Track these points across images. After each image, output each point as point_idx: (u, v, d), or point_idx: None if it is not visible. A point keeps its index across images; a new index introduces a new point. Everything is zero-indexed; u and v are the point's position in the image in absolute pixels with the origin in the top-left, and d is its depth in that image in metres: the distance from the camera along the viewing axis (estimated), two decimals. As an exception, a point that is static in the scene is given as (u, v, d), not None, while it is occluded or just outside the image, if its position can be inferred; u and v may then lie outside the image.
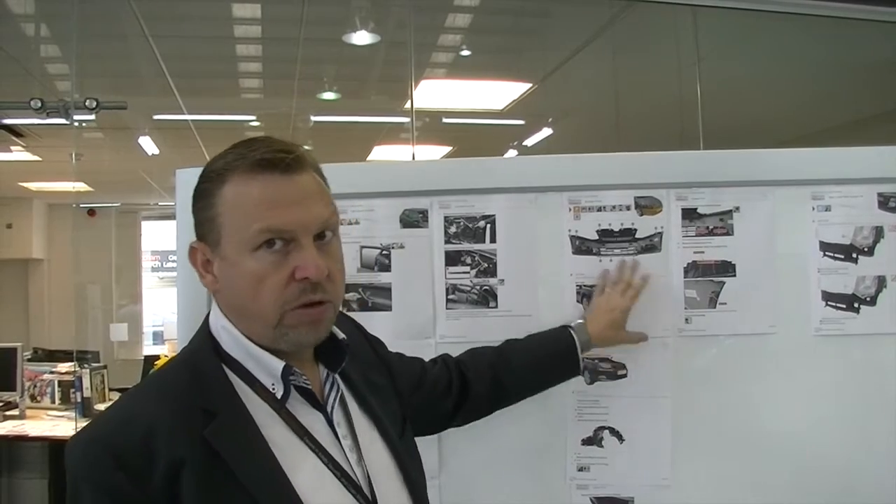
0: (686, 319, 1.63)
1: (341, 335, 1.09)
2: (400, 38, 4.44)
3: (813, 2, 3.63)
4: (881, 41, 4.00)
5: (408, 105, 4.60)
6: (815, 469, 1.62)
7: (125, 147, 6.31)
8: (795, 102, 5.11)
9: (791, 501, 1.61)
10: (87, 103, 3.43)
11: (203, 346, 1.05)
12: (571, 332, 1.51)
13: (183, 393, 0.99)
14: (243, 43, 4.64)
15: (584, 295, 1.62)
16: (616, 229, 1.63)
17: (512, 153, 6.13)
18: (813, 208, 1.66)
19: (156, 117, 5.70)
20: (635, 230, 1.63)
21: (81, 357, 5.07)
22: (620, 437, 1.61)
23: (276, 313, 0.99)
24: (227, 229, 1.00)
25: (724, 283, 1.63)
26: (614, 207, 1.63)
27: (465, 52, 4.76)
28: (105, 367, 5.05)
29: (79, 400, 4.75)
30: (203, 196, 1.03)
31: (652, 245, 1.63)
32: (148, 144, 6.10)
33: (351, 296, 1.63)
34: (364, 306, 1.62)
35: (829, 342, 1.64)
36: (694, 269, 1.63)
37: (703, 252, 1.63)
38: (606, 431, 1.61)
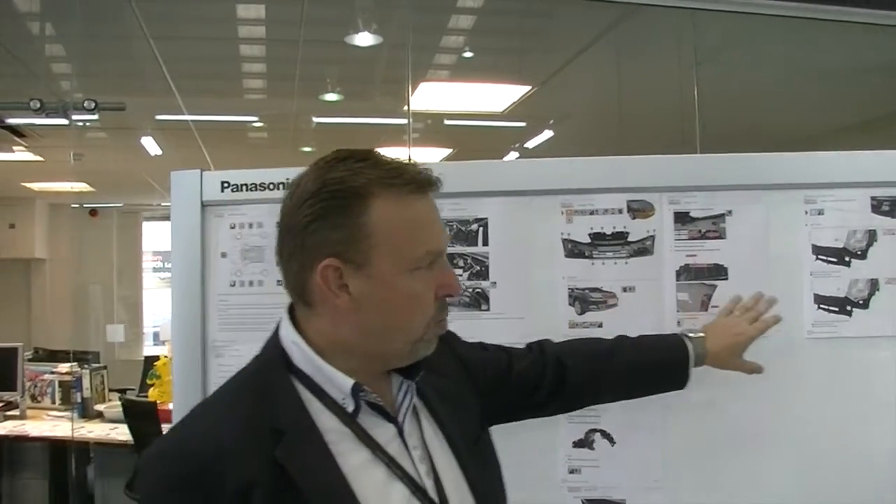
0: (678, 322, 1.63)
1: None
2: (402, 39, 4.44)
3: (814, 6, 3.62)
4: (880, 45, 4.00)
5: (417, 107, 4.60)
6: (807, 471, 1.62)
7: (128, 147, 6.32)
8: (797, 106, 5.10)
9: (782, 502, 1.62)
10: (85, 104, 3.44)
11: (272, 359, 1.05)
12: (688, 343, 1.43)
13: (251, 411, 1.00)
14: (246, 43, 4.65)
15: (576, 298, 1.62)
16: (608, 233, 1.63)
17: (513, 155, 6.13)
18: (806, 212, 1.66)
19: (158, 117, 5.71)
20: (627, 233, 1.63)
21: (82, 357, 5.09)
22: (612, 440, 1.62)
23: (424, 329, 1.03)
24: (383, 249, 0.99)
25: (716, 286, 1.63)
26: (607, 211, 1.63)
27: (468, 54, 4.76)
28: (105, 367, 5.07)
29: (79, 400, 4.78)
30: (336, 215, 1.00)
31: (644, 248, 1.63)
32: (150, 145, 6.11)
33: (344, 298, 1.63)
34: (357, 308, 1.62)
35: (822, 345, 1.64)
36: (686, 273, 1.63)
37: (695, 255, 1.64)
38: (598, 434, 1.62)
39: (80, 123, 4.51)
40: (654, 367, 1.43)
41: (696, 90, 4.30)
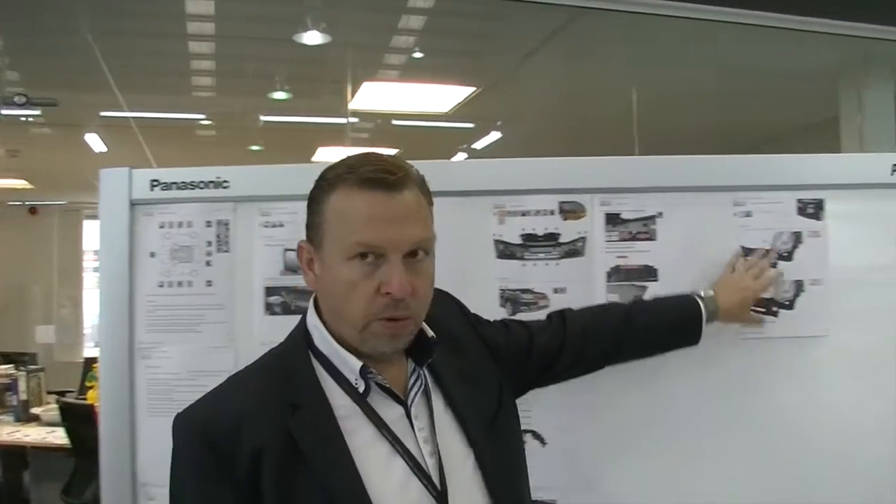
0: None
1: (430, 333, 1.16)
2: (351, 38, 4.42)
3: (758, 13, 3.69)
4: (817, 51, 4.10)
5: (356, 106, 4.57)
6: (736, 469, 1.64)
7: (71, 144, 6.19)
8: (742, 109, 5.21)
9: (711, 501, 1.64)
10: (16, 99, 3.35)
11: (297, 341, 1.16)
12: (699, 301, 1.53)
13: (273, 386, 1.11)
14: (195, 41, 4.59)
15: (508, 299, 1.62)
16: (540, 234, 1.63)
17: (461, 156, 6.15)
18: (734, 214, 1.68)
19: (103, 114, 5.59)
20: (559, 235, 1.64)
21: (18, 360, 4.96)
22: (542, 441, 1.62)
23: (362, 321, 1.08)
24: (328, 236, 1.10)
25: (646, 287, 1.65)
26: (538, 212, 1.64)
27: (418, 55, 4.76)
28: (42, 369, 4.95)
29: (14, 403, 4.67)
30: (313, 201, 1.13)
31: (575, 250, 1.64)
32: (95, 142, 5.98)
33: (274, 299, 1.62)
34: (287, 310, 1.61)
35: (749, 345, 1.67)
36: (617, 274, 1.65)
37: (626, 257, 1.65)
38: (529, 435, 1.61)
39: (24, 119, 4.40)
40: (671, 326, 1.52)
41: (635, 94, 4.36)
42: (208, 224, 1.64)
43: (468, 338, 1.29)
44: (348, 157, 1.13)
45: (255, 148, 6.23)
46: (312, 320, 1.16)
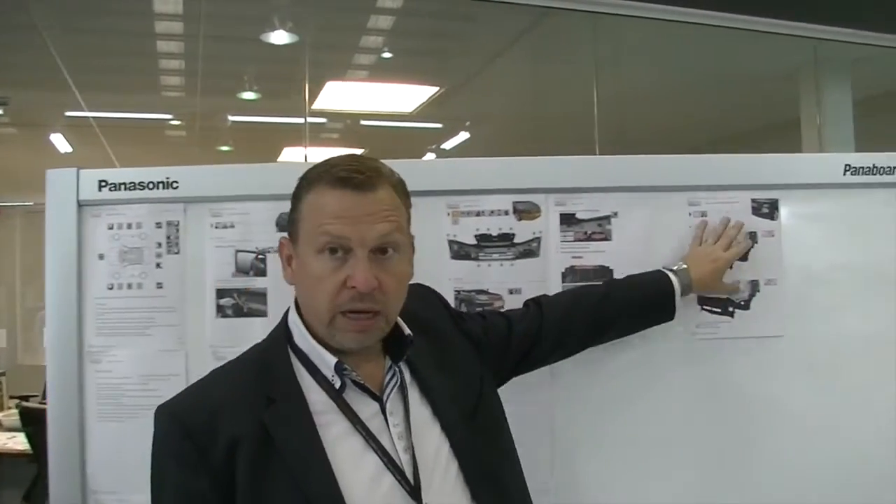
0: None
1: (407, 331, 1.19)
2: (317, 38, 4.40)
3: (721, 14, 3.72)
4: (778, 53, 4.14)
5: (321, 106, 4.55)
6: (692, 469, 1.65)
7: (36, 145, 6.10)
8: (705, 110, 5.25)
9: (666, 501, 1.64)
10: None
11: (278, 337, 1.20)
12: (672, 276, 1.56)
13: (251, 380, 1.15)
14: (163, 40, 4.54)
15: (462, 300, 1.61)
16: (494, 234, 1.63)
17: (430, 157, 6.15)
18: (689, 214, 1.69)
19: (68, 114, 5.52)
20: (513, 235, 1.63)
21: (-23, 365, 4.88)
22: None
23: (328, 314, 1.11)
24: (303, 231, 1.14)
25: (601, 288, 1.64)
26: (493, 212, 1.63)
27: (387, 55, 4.75)
28: (3, 374, 4.87)
29: (-28, 408, 4.58)
30: (294, 198, 1.17)
31: (530, 250, 1.63)
32: (60, 142, 5.90)
33: (226, 301, 1.59)
34: (239, 312, 1.59)
35: (705, 345, 1.67)
36: (572, 274, 1.64)
37: (581, 257, 1.65)
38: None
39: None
40: (644, 304, 1.56)
41: (596, 94, 4.37)
42: (158, 225, 1.61)
43: (449, 330, 1.32)
44: (331, 158, 1.16)
45: (224, 148, 6.18)
46: (293, 317, 1.19)
